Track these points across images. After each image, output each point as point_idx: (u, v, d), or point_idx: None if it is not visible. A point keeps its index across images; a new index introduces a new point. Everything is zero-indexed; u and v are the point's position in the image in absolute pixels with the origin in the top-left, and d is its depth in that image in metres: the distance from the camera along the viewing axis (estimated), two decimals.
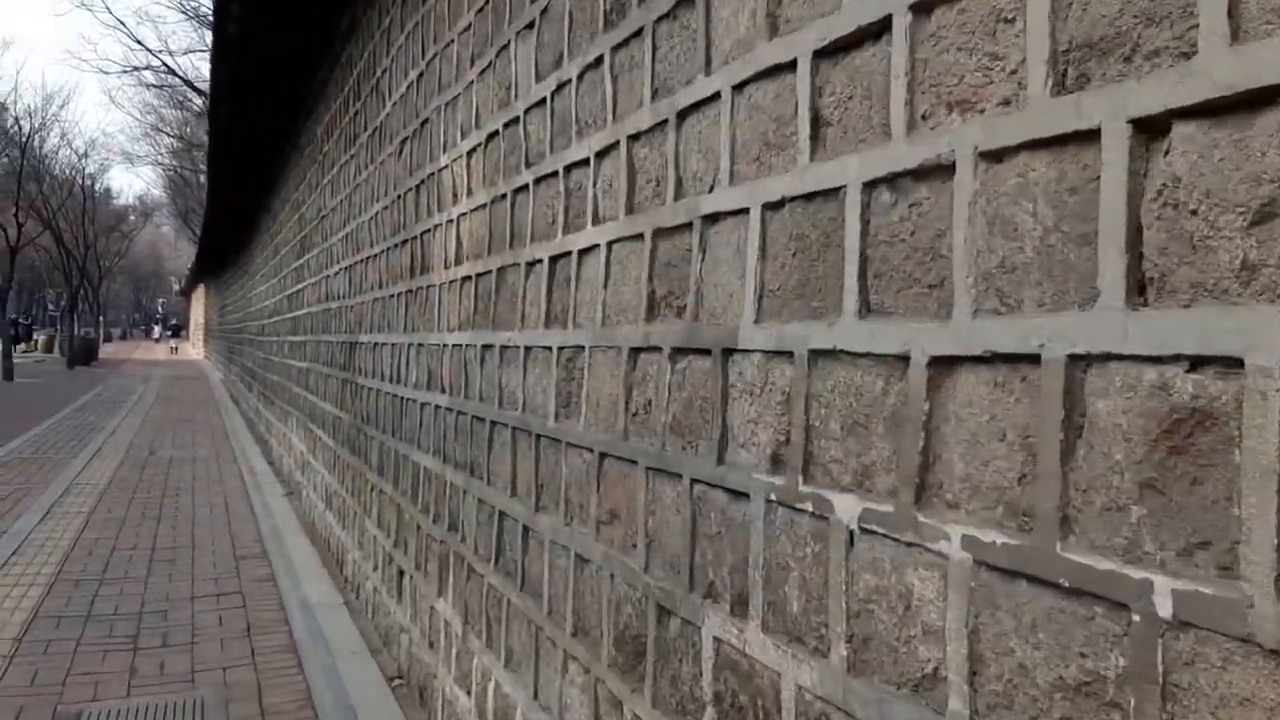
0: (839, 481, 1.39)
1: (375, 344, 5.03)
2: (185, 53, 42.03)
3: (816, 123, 1.48)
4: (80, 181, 33.94)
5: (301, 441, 8.13)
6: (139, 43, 57.65)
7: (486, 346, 3.09)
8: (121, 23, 69.06)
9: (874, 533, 1.31)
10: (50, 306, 66.69)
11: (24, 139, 26.28)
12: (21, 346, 43.48)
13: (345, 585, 5.56)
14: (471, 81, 3.36)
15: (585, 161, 2.36)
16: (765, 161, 1.61)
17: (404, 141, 4.47)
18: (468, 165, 3.40)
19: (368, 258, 5.38)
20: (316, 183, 7.79)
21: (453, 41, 3.62)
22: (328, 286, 6.90)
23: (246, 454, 11.65)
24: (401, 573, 4.21)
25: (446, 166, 3.69)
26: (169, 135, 44.36)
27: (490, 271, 3.09)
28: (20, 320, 51.44)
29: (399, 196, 4.54)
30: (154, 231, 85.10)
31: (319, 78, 7.56)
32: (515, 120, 2.88)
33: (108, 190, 58.44)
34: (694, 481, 1.77)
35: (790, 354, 1.50)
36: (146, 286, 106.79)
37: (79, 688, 4.05)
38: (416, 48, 4.23)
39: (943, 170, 1.24)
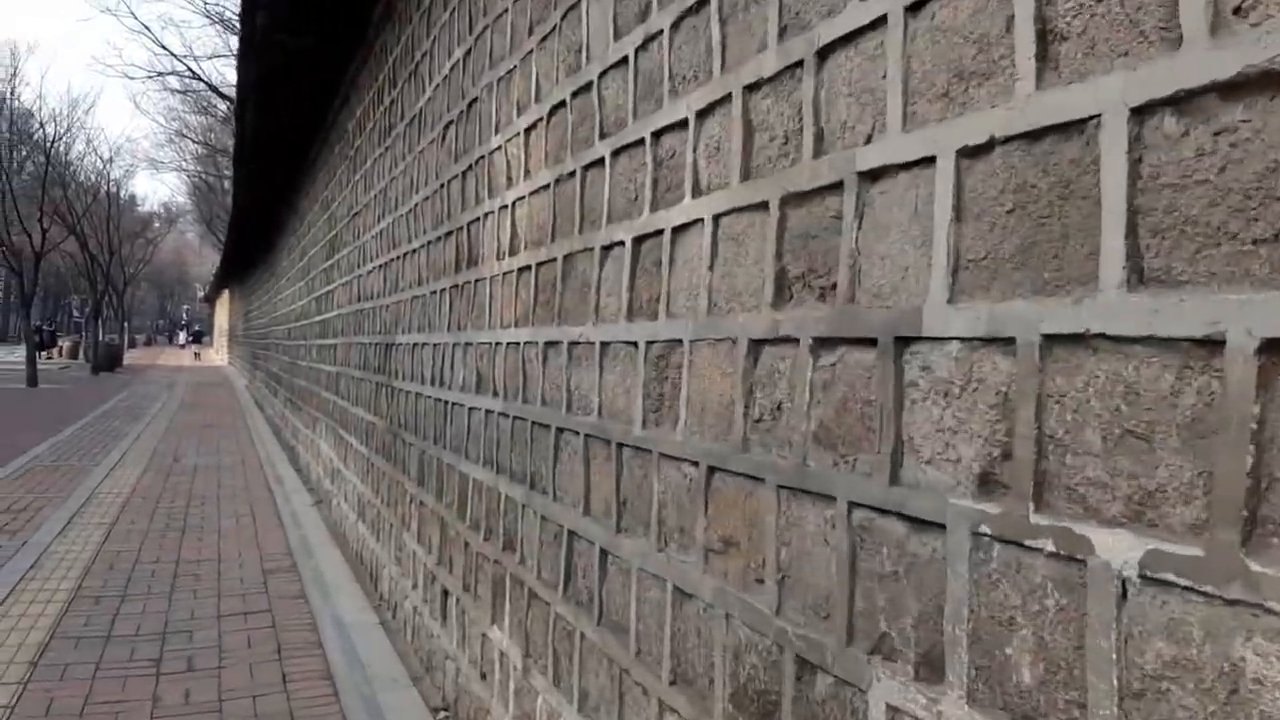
0: (1101, 512, 1.03)
1: (414, 345, 4.70)
2: (210, 58, 42.12)
3: (1044, 37, 1.13)
4: (106, 187, 33.87)
5: (331, 448, 7.82)
6: (163, 47, 57.81)
7: (551, 344, 2.75)
8: (146, 27, 69.52)
9: (1168, 584, 0.95)
10: (75, 313, 66.99)
11: (49, 144, 26.17)
12: (46, 353, 43.55)
13: (381, 603, 5.23)
14: (530, 51, 3.02)
15: (681, 124, 2.01)
16: (957, 97, 1.25)
17: (448, 126, 4.14)
18: (525, 144, 3.06)
19: (405, 254, 5.05)
20: (348, 179, 7.48)
21: (506, 11, 3.28)
22: (360, 286, 6.59)
23: (273, 461, 11.36)
24: (446, 593, 3.87)
25: (499, 148, 3.35)
26: (193, 141, 44.40)
27: (554, 260, 2.75)
28: (44, 327, 51.59)
29: (442, 186, 4.21)
30: (178, 238, 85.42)
31: (350, 71, 7.25)
32: (586, 87, 2.54)
33: (133, 197, 58.64)
34: (853, 506, 1.41)
35: (1009, 341, 1.15)
36: (171, 293, 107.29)
37: (98, 718, 3.73)
38: (463, 24, 3.90)
39: (1275, 79, 0.88)
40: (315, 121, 9.35)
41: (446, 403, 3.96)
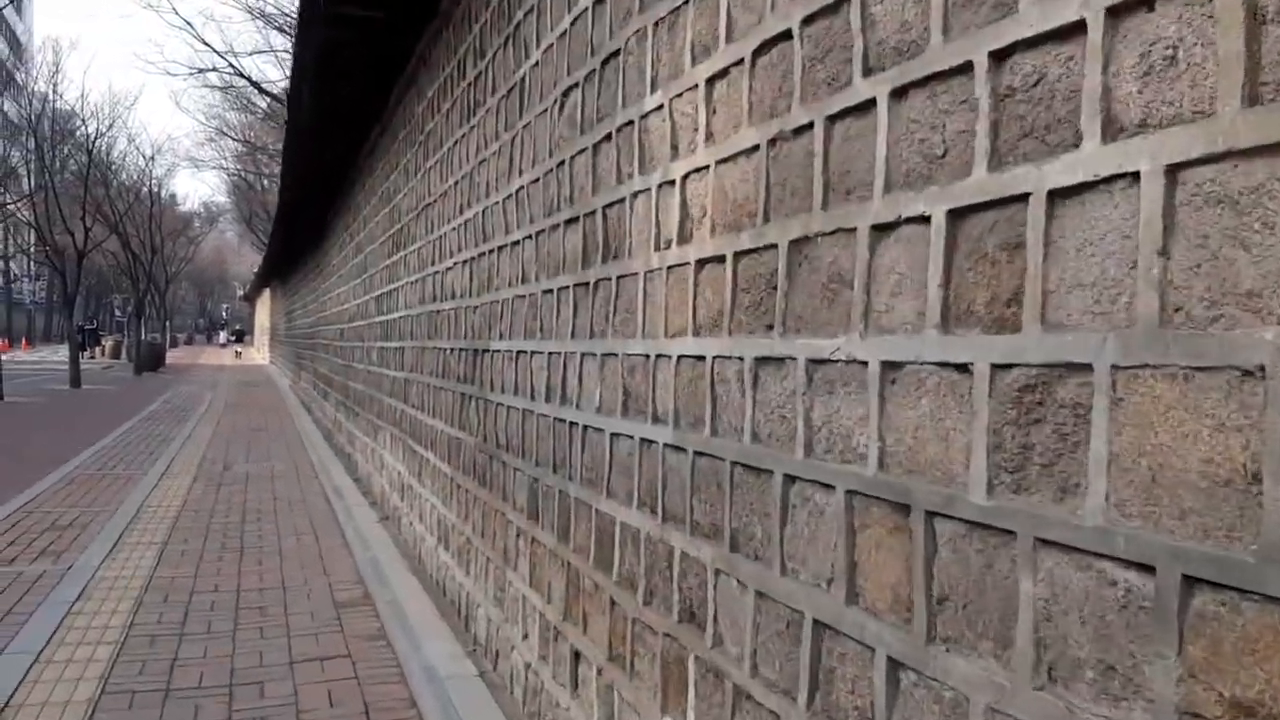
0: None
1: (517, 353, 4.02)
2: (250, 54, 41.80)
3: None
4: (148, 185, 33.63)
5: (399, 461, 7.17)
6: (205, 43, 57.75)
7: (765, 360, 2.05)
8: (188, 23, 69.40)
9: None
10: (117, 312, 67.28)
11: (90, 141, 25.83)
12: (88, 352, 43.52)
13: (476, 648, 4.55)
14: None
15: (1059, 34, 1.31)
16: None
17: (568, 92, 3.45)
18: (707, 99, 2.36)
19: (501, 247, 4.37)
20: (416, 168, 6.83)
21: None
22: (436, 285, 5.93)
23: (328, 469, 10.77)
24: (578, 656, 3.18)
25: (658, 109, 2.65)
26: (233, 139, 44.24)
27: (768, 247, 2.05)
28: (86, 326, 51.68)
29: (559, 165, 3.52)
30: (218, 237, 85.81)
31: (419, 46, 6.60)
32: (833, 7, 1.84)
33: (173, 196, 58.67)
34: None
35: None
36: (211, 291, 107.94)
37: None
38: None
39: None
40: (375, 107, 8.72)
41: (572, 424, 3.27)
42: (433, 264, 6.10)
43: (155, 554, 6.54)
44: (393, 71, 7.74)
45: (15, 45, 47.39)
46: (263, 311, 52.70)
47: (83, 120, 27.66)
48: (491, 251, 4.55)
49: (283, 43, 41.95)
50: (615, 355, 2.92)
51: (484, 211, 4.71)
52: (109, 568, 6.12)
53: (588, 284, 3.20)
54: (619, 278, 2.90)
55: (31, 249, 49.87)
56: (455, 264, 5.39)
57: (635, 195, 2.80)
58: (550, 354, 3.56)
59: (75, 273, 25.57)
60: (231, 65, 36.73)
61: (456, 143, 5.35)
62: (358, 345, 10.50)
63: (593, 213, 3.16)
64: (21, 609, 5.19)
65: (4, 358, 29.69)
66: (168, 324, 45.42)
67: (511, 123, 4.23)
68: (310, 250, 19.24)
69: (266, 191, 47.13)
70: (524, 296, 3.96)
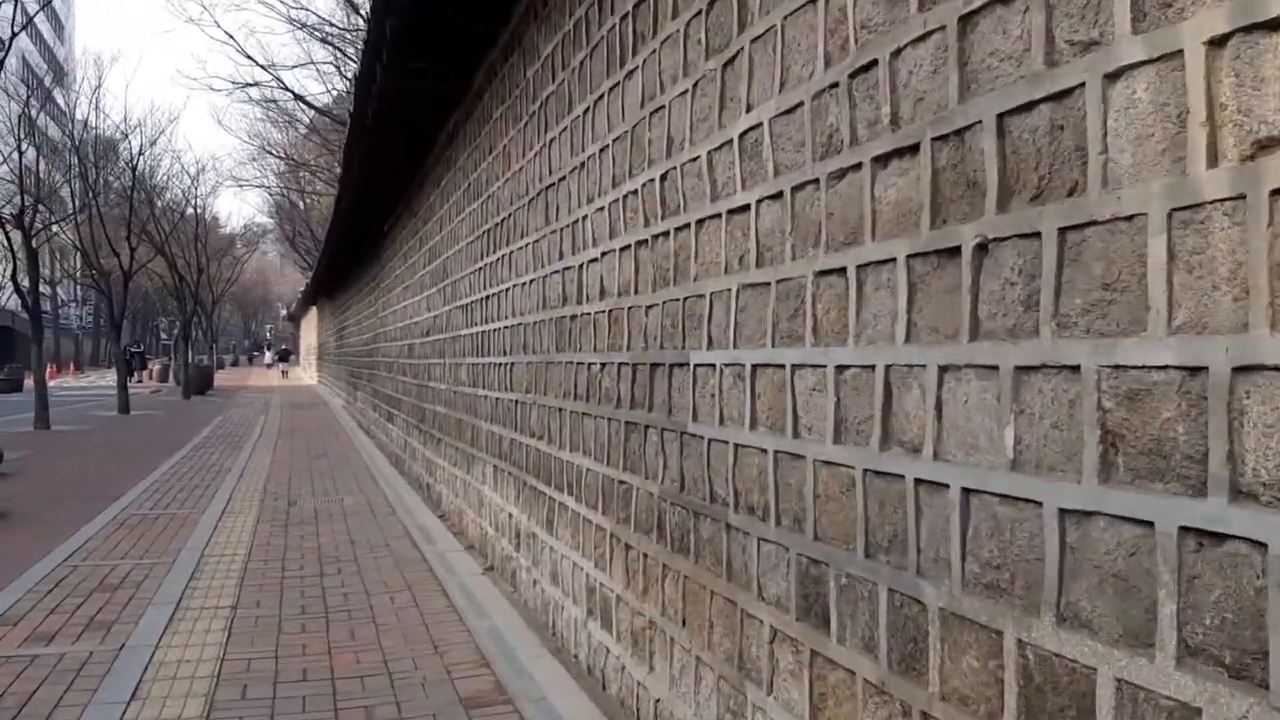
0: None
1: (753, 366, 2.76)
2: (293, 67, 40.90)
3: None
4: (194, 205, 32.85)
5: (511, 501, 5.93)
6: (248, 57, 57.21)
7: None
8: (231, 36, 68.99)
9: None
10: (163, 335, 67.04)
11: (134, 157, 25.00)
12: (136, 376, 42.95)
13: None
14: None
15: None
16: None
17: None
18: None
19: (703, 220, 3.12)
20: (528, 146, 5.61)
21: None
22: (568, 284, 4.69)
23: (405, 503, 9.58)
24: None
25: None
26: (275, 156, 43.57)
27: None
28: (133, 349, 51.24)
29: (867, 67, 2.27)
30: (260, 258, 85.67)
31: None
32: None
33: (215, 218, 58.20)
34: None
35: None
36: (255, 312, 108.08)
37: None
38: None
39: None
40: (454, 90, 7.54)
41: (921, 483, 2.00)
42: (558, 259, 4.88)
43: (224, 624, 5.35)
44: (482, 46, 6.56)
45: (56, 67, 47.04)
46: (309, 331, 51.99)
47: (125, 134, 26.83)
48: (683, 228, 3.29)
49: (324, 55, 41.22)
50: (1034, 370, 1.65)
51: (664, 176, 3.46)
52: (169, 647, 4.93)
53: (932, 255, 1.94)
54: (1073, 228, 1.63)
55: (78, 273, 49.54)
56: (603, 254, 4.15)
57: (1109, 82, 1.54)
58: (843, 368, 2.30)
59: (121, 295, 24.71)
60: (276, 78, 35.87)
61: (610, 90, 4.11)
62: (436, 362, 9.31)
63: (960, 132, 1.90)
64: (61, 718, 4.00)
65: (52, 384, 28.99)
66: (214, 345, 44.72)
67: (714, 45, 2.98)
68: (366, 263, 18.18)
69: (310, 209, 46.47)
70: (760, 286, 2.71)
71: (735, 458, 2.84)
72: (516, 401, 5.81)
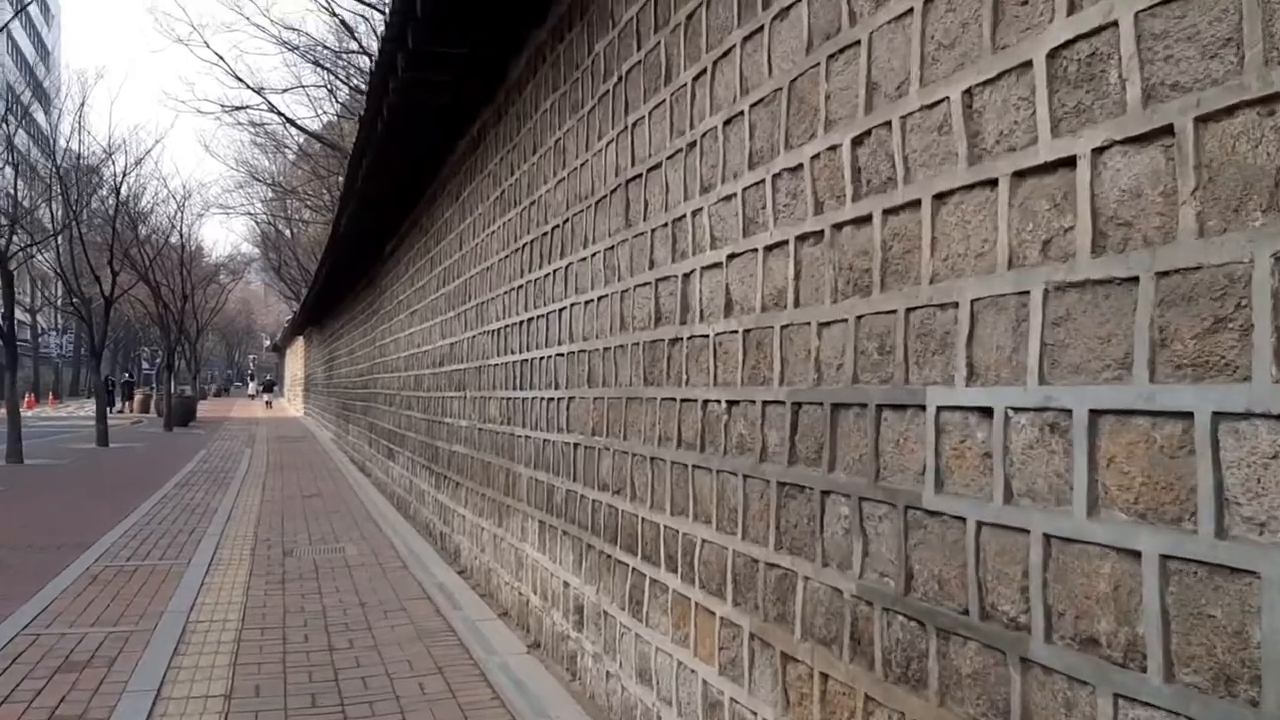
0: None
1: (1045, 416, 1.76)
2: (283, 91, 39.78)
3: None
4: (179, 230, 31.69)
5: (570, 570, 4.87)
6: (238, 78, 56.08)
7: None
8: (221, 57, 68.01)
9: None
10: (145, 365, 65.58)
11: (117, 180, 23.89)
12: (119, 407, 41.59)
13: None
14: None
15: None
16: None
17: None
18: None
19: (963, 187, 2.12)
20: (598, 135, 4.62)
21: None
22: (677, 294, 3.67)
23: (415, 554, 8.49)
24: None
25: None
26: (263, 183, 42.54)
27: None
28: (114, 380, 49.77)
29: None
30: (244, 288, 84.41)
31: None
32: None
33: (200, 248, 56.92)
34: None
35: None
36: (239, 342, 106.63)
37: None
38: None
39: None
40: (490, 76, 6.56)
41: None
42: (647, 268, 3.87)
43: None
44: (525, 23, 5.60)
45: (37, 87, 45.94)
46: (294, 361, 50.72)
47: (109, 153, 25.71)
48: (899, 210, 2.29)
49: (315, 79, 40.25)
50: None
51: (860, 140, 2.46)
52: None
53: None
54: None
55: (59, 300, 48.28)
56: (732, 256, 3.14)
57: None
58: None
59: (103, 323, 23.56)
60: (266, 101, 34.96)
61: (745, 41, 3.12)
62: (454, 396, 8.27)
63: None
64: None
65: (29, 414, 27.69)
66: (197, 375, 43.40)
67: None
68: (362, 289, 17.14)
69: (297, 238, 45.33)
70: (1104, 284, 1.71)
71: (1047, 555, 1.81)
72: (576, 445, 4.77)
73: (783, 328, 2.82)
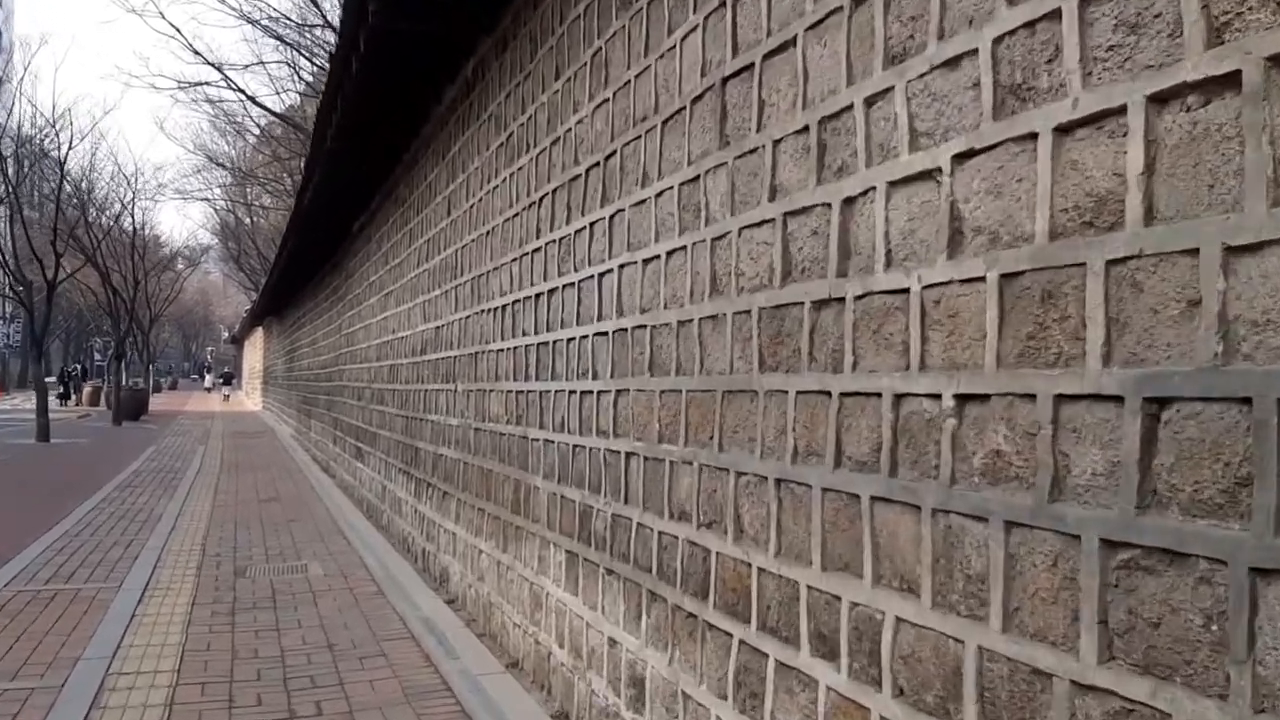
0: None
1: None
2: (245, 67, 37.58)
3: None
4: (129, 210, 29.86)
5: (621, 624, 3.60)
6: (195, 52, 53.39)
7: None
8: (177, 29, 62.54)
9: None
10: (97, 356, 63.36)
11: (62, 152, 22.17)
12: (72, 399, 39.70)
13: None
14: None
15: None
16: None
17: None
18: None
19: None
20: (648, 42, 3.36)
21: None
22: (867, 225, 2.41)
23: (392, 574, 7.18)
24: None
25: None
26: (222, 168, 40.79)
27: None
28: (70, 370, 47.68)
29: None
30: (202, 278, 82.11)
31: None
32: None
33: (157, 238, 54.68)
34: None
35: None
36: (196, 334, 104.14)
37: None
38: None
39: None
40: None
41: None
42: (811, 182, 2.62)
43: None
44: None
45: None
46: (253, 353, 48.90)
47: (53, 124, 23.93)
48: None
49: (277, 56, 38.59)
50: None
51: None
52: None
53: None
54: None
55: (5, 288, 46.24)
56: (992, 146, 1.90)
57: None
58: None
59: (45, 309, 21.94)
60: (226, 78, 33.24)
61: None
62: (439, 389, 6.97)
63: None
64: None
65: None
66: (151, 367, 41.47)
67: None
68: (327, 273, 15.74)
69: (257, 227, 43.45)
70: None
71: None
72: (629, 455, 3.51)
73: (1113, 263, 1.57)
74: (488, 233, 5.77)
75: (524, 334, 4.94)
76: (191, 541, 8.64)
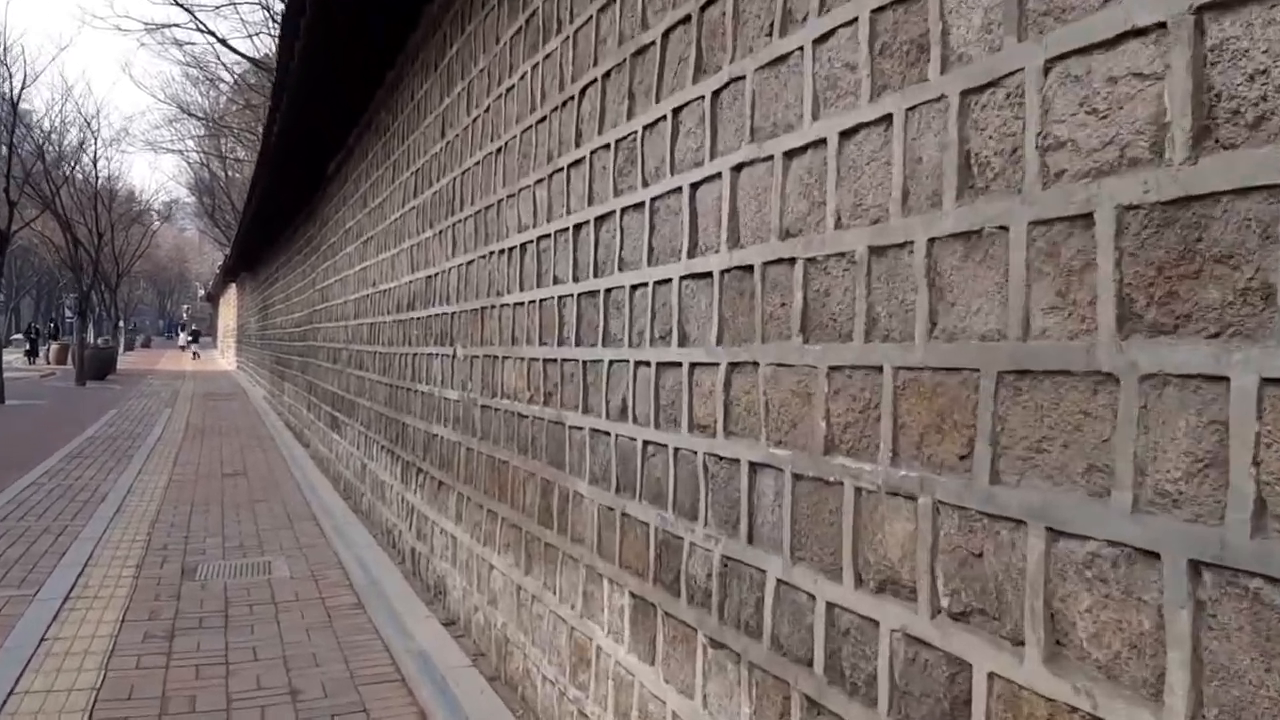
0: None
1: None
2: (217, 7, 35.51)
3: None
4: (87, 154, 28.08)
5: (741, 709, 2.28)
6: None
7: None
8: None
9: None
10: (68, 313, 61.48)
11: (12, 90, 20.46)
12: (39, 357, 38.07)
13: None
14: None
15: None
16: None
17: None
18: None
19: None
20: None
21: None
22: None
23: (376, 580, 5.85)
24: None
25: None
26: (194, 118, 38.87)
27: None
28: (37, 327, 45.98)
29: None
30: (178, 235, 79.88)
31: None
32: None
33: (131, 193, 52.49)
34: None
35: None
36: (171, 291, 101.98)
37: None
38: None
39: None
40: None
41: None
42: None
43: None
44: None
45: None
46: (228, 311, 47.19)
47: (2, 60, 22.18)
48: None
49: None
50: None
51: None
52: None
53: None
54: None
55: None
56: None
57: None
58: None
59: None
60: (196, 20, 31.41)
61: None
62: (434, 352, 5.61)
63: None
64: None
65: None
66: (121, 325, 39.75)
67: None
68: (300, 224, 14.28)
69: (232, 179, 41.54)
70: None
71: None
72: (759, 467, 2.18)
73: None
74: (498, 150, 4.40)
75: (556, 281, 3.59)
76: (136, 529, 7.28)
